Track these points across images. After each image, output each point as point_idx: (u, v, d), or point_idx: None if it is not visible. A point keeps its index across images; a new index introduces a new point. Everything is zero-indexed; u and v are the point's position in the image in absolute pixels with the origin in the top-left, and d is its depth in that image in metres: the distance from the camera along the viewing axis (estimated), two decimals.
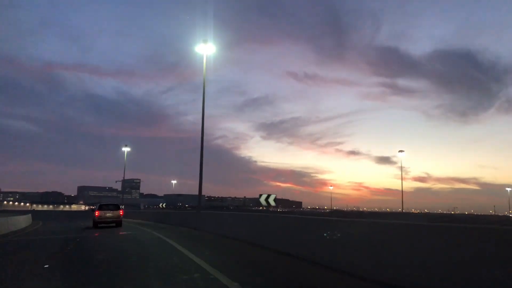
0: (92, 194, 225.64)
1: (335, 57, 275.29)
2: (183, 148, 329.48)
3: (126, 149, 57.41)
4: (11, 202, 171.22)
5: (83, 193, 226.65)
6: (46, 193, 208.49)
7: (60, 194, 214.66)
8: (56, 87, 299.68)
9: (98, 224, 26.18)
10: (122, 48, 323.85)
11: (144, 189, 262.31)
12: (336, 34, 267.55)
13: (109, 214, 26.56)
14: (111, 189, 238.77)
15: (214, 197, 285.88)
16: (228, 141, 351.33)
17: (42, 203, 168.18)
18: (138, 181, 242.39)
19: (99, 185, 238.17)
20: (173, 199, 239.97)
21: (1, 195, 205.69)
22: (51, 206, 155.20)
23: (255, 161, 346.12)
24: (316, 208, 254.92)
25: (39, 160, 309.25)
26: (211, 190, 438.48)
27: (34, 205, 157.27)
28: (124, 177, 59.98)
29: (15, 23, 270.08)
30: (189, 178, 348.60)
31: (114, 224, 26.44)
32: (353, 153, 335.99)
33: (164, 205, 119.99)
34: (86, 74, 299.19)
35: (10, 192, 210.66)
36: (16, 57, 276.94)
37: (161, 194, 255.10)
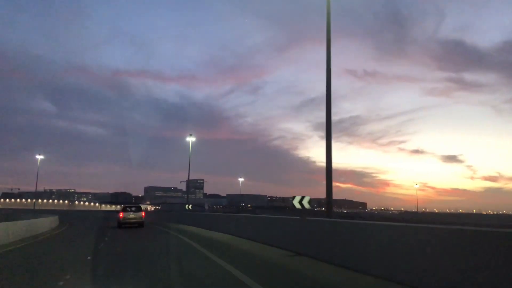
0: (158, 194, 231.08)
1: (396, 52, 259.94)
2: (242, 149, 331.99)
3: (190, 139, 52.81)
4: (86, 203, 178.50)
5: (150, 193, 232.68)
6: (116, 193, 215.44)
7: (128, 194, 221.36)
8: (123, 93, 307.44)
9: (122, 224, 27.79)
10: (183, 53, 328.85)
11: (208, 189, 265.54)
12: (396, 28, 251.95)
13: (132, 215, 28.34)
14: (176, 189, 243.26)
15: (276, 197, 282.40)
16: (286, 142, 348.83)
17: (111, 203, 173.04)
18: (201, 181, 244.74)
19: (165, 186, 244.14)
20: (235, 199, 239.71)
21: (76, 195, 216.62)
22: (119, 206, 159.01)
23: (314, 162, 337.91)
24: (383, 210, 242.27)
25: (109, 162, 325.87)
26: (272, 190, 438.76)
27: (103, 205, 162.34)
28: (189, 174, 56.86)
29: (87, 35, 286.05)
30: (249, 179, 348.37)
31: (136, 225, 28.15)
32: (416, 152, 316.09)
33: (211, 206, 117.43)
34: (150, 80, 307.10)
35: (84, 193, 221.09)
36: (88, 66, 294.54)
37: (223, 194, 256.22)
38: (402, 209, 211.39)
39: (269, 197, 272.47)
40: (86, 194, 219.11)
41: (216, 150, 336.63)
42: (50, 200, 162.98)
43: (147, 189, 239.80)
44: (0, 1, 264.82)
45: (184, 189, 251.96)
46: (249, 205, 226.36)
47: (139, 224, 28.40)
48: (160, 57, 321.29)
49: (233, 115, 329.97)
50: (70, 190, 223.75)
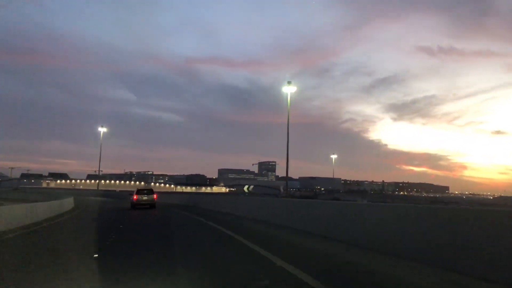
0: (231, 176, 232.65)
1: (474, 27, 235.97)
2: (310, 133, 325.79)
3: (289, 88, 40.03)
4: (162, 184, 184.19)
5: (223, 175, 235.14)
6: (191, 175, 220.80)
7: (202, 176, 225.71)
8: (194, 80, 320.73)
9: (135, 205, 29.59)
10: (250, 38, 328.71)
11: (279, 172, 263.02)
12: (474, 0, 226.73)
13: (145, 197, 30.14)
14: (248, 172, 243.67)
15: (350, 181, 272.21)
16: (356, 125, 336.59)
17: (186, 185, 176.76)
18: (274, 163, 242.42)
19: (237, 168, 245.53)
20: (307, 182, 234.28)
21: (153, 177, 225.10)
22: (194, 188, 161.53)
23: (386, 145, 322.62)
24: (472, 194, 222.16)
25: (183, 146, 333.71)
26: (346, 173, 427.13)
27: (179, 187, 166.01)
28: (289, 159, 52.25)
29: (160, 24, 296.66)
30: (318, 162, 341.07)
31: (148, 206, 29.95)
32: (498, 132, 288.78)
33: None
34: (219, 66, 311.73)
35: (161, 175, 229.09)
36: (161, 54, 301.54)
37: (295, 177, 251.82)
38: (494, 194, 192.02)
39: (343, 180, 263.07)
40: (163, 176, 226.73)
41: (283, 134, 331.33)
42: (128, 182, 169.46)
43: (221, 171, 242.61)
44: None
45: (256, 171, 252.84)
46: (322, 188, 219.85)
47: (151, 205, 30.28)
48: (229, 43, 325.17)
49: (300, 98, 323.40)
50: (148, 173, 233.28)
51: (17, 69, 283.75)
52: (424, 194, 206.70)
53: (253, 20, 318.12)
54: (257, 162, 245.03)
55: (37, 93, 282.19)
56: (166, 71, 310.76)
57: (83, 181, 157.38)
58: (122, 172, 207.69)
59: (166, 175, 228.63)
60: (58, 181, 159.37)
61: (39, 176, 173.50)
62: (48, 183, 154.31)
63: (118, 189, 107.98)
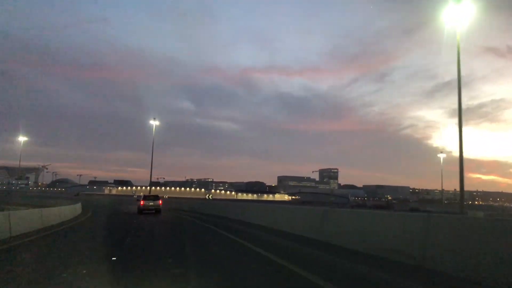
0: (291, 184, 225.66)
1: None
2: (369, 140, 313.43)
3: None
4: (222, 191, 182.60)
5: (283, 183, 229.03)
6: (250, 183, 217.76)
7: (262, 183, 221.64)
8: (251, 89, 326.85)
9: (142, 210, 30.16)
10: (306, 45, 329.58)
11: (341, 179, 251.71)
12: None
13: (151, 203, 30.90)
14: (309, 179, 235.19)
15: (418, 189, 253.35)
16: (418, 131, 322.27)
17: (247, 192, 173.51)
18: (336, 170, 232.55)
19: (297, 175, 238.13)
20: (372, 191, 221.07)
21: (213, 184, 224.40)
22: (254, 196, 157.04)
23: (450, 152, 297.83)
24: None
25: (242, 154, 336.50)
26: (409, 182, 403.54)
27: (240, 194, 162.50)
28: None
29: (218, 36, 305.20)
30: (378, 170, 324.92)
31: (154, 211, 30.63)
32: None
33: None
34: (275, 75, 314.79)
35: (221, 182, 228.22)
36: (219, 65, 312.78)
37: (359, 185, 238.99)
38: None
39: (411, 189, 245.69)
40: (223, 183, 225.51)
41: (342, 141, 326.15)
42: (189, 188, 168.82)
43: (280, 179, 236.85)
44: (144, 13, 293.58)
45: (317, 178, 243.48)
46: (389, 197, 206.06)
47: (156, 211, 31.07)
48: (285, 51, 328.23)
49: (359, 104, 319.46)
50: (208, 180, 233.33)
51: (87, 84, 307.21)
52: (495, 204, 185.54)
53: (309, 27, 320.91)
54: (317, 169, 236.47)
55: (105, 106, 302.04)
56: (224, 81, 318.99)
57: (143, 187, 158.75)
58: (183, 179, 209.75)
59: (226, 182, 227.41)
60: (119, 187, 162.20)
61: (104, 183, 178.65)
62: (110, 190, 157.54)
63: (178, 196, 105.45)
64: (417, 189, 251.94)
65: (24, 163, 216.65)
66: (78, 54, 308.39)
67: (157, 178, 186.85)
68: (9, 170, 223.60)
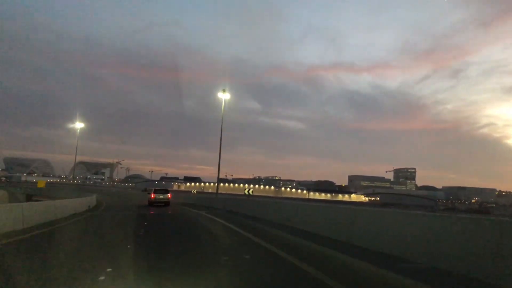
0: (363, 184, 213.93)
1: None
2: (442, 139, 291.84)
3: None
4: (293, 190, 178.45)
5: (354, 182, 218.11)
6: (319, 181, 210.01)
7: (331, 183, 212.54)
8: (318, 88, 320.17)
9: (153, 203, 32.36)
10: (374, 41, 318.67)
11: (419, 180, 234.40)
12: None
13: (161, 196, 33.27)
14: (382, 179, 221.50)
15: (506, 192, 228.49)
16: (497, 129, 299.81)
17: (315, 191, 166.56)
18: (413, 170, 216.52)
19: (368, 175, 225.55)
20: (452, 193, 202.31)
21: (281, 182, 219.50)
22: (328, 195, 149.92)
23: None
24: None
25: (308, 153, 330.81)
26: (493, 183, 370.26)
27: (311, 193, 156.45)
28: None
29: (284, 35, 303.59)
30: (452, 171, 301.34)
31: (163, 204, 32.77)
32: None
33: None
34: (342, 72, 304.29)
35: (288, 180, 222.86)
36: (285, 64, 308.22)
37: (438, 186, 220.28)
38: None
39: (497, 191, 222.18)
40: (291, 181, 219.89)
41: (414, 141, 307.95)
42: (257, 186, 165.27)
43: (351, 178, 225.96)
44: (212, 15, 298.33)
45: (392, 178, 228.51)
46: (474, 200, 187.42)
47: (166, 203, 32.75)
48: (352, 48, 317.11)
49: (431, 102, 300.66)
50: (276, 178, 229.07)
51: (160, 84, 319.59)
52: None
53: (378, 22, 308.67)
54: (390, 169, 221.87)
55: (176, 105, 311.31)
56: (290, 80, 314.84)
57: (211, 184, 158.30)
58: (251, 177, 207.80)
59: (294, 181, 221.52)
60: (188, 183, 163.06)
61: (175, 179, 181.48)
62: (179, 186, 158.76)
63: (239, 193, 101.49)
64: (504, 191, 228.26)
65: (101, 159, 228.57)
66: (152, 56, 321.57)
67: (225, 176, 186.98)
68: (87, 165, 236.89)
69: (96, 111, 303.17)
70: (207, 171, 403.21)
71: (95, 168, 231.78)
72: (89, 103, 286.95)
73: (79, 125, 64.84)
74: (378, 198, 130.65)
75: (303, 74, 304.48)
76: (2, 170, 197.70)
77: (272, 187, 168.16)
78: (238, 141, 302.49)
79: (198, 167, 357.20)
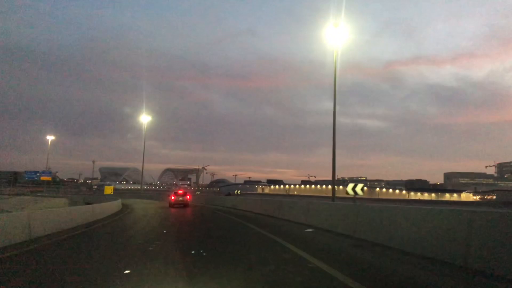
0: (462, 181, 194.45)
1: None
2: None
3: None
4: (387, 190, 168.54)
5: (451, 180, 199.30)
6: (410, 180, 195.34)
7: (424, 181, 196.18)
8: (397, 84, 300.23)
9: (173, 205, 33.47)
10: (456, 30, 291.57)
11: None
12: None
13: (180, 198, 34.44)
14: (484, 175, 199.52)
15: None
16: None
17: (410, 190, 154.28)
18: None
19: (465, 171, 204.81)
20: None
21: (368, 183, 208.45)
22: (432, 195, 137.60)
23: None
24: None
25: (390, 152, 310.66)
26: None
27: (412, 193, 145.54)
28: None
29: (359, 31, 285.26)
30: None
31: (183, 205, 33.82)
32: None
33: None
34: (422, 66, 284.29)
35: (376, 181, 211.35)
36: (361, 62, 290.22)
37: None
38: None
39: None
40: (379, 181, 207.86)
41: (509, 133, 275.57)
42: (342, 187, 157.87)
43: (448, 175, 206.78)
44: (283, 20, 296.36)
45: (495, 174, 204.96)
46: None
47: (185, 205, 34.04)
48: (432, 40, 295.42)
49: None
50: (361, 178, 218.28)
51: (237, 92, 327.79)
52: None
53: (460, 9, 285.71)
54: (491, 164, 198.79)
55: (255, 112, 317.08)
56: (367, 78, 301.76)
57: (295, 186, 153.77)
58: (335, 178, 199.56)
59: (382, 181, 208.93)
60: (272, 186, 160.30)
61: (258, 182, 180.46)
62: (263, 189, 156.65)
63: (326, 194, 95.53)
64: None
65: (188, 166, 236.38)
66: (230, 66, 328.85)
67: (308, 177, 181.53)
68: (174, 171, 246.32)
69: (182, 120, 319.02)
70: (286, 174, 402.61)
71: (182, 174, 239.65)
72: (175, 114, 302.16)
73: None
74: (494, 197, 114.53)
75: (381, 71, 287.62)
76: (97, 179, 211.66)
77: (366, 188, 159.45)
78: (317, 143, 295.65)
79: (278, 170, 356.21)
